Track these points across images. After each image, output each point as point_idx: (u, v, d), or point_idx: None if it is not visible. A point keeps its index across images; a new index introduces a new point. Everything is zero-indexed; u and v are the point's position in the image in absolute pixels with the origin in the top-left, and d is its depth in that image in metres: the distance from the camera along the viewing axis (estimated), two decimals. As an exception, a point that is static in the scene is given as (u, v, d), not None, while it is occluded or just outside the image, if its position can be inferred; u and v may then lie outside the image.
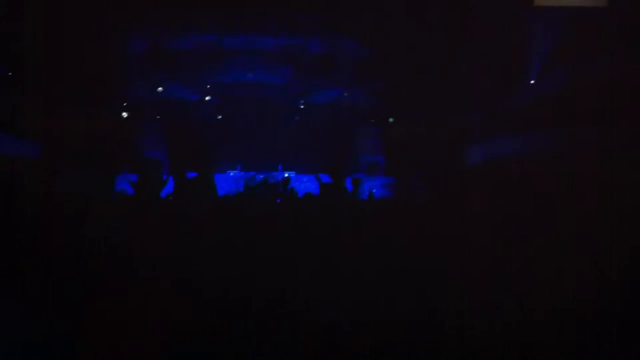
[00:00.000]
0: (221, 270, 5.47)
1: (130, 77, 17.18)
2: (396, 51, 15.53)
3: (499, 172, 13.38)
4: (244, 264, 5.56)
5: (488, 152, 14.96)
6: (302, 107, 19.12)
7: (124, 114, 17.69)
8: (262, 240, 6.03)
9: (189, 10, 15.02)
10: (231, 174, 17.92)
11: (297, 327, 4.96)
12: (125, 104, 17.73)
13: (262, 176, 17.64)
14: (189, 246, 5.91)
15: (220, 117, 18.90)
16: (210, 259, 5.65)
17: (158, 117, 18.42)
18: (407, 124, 17.20)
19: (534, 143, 13.06)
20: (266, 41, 16.85)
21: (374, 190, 16.67)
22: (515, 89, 14.95)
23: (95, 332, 4.70)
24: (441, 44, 14.63)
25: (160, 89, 17.70)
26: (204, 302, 5.14)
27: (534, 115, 13.51)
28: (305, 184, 17.85)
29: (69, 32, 14.23)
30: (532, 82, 15.24)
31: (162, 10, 14.93)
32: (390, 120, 18.33)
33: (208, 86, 18.63)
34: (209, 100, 18.61)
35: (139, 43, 16.70)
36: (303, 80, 18.34)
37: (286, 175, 17.33)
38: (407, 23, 14.35)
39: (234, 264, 5.56)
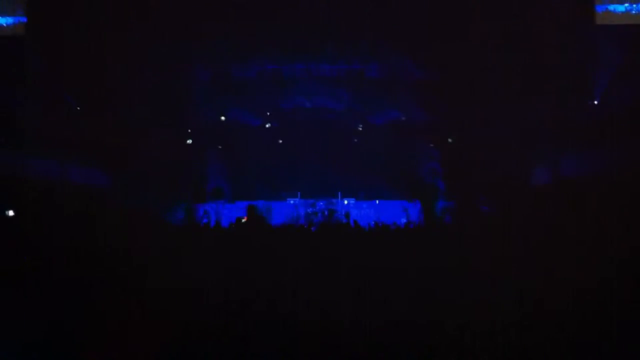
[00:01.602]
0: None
1: (195, 106, 17.56)
2: (458, 73, 15.42)
3: (569, 192, 13.01)
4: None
5: (556, 171, 14.63)
6: (360, 131, 19.09)
7: (189, 142, 18.02)
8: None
9: (251, 41, 15.38)
10: (291, 201, 17.90)
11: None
12: (190, 133, 18.09)
13: (322, 203, 17.58)
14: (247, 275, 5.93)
15: (280, 143, 19.05)
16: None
17: (220, 146, 18.71)
18: (470, 145, 16.94)
19: (603, 161, 12.72)
20: (325, 68, 17.08)
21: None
22: (580, 108, 14.66)
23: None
24: (503, 64, 14.48)
25: (223, 117, 18.02)
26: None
27: (602, 133, 13.18)
28: (365, 211, 17.67)
29: (136, 65, 14.73)
30: (596, 102, 14.90)
31: (225, 41, 15.36)
32: (450, 140, 18.11)
33: (269, 113, 18.86)
34: (269, 127, 18.83)
35: (204, 72, 17.12)
36: (362, 104, 18.38)
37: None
38: (468, 45, 14.29)
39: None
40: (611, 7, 14.22)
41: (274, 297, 5.32)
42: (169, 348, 4.75)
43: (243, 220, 11.55)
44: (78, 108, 15.69)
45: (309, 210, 17.45)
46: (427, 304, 5.31)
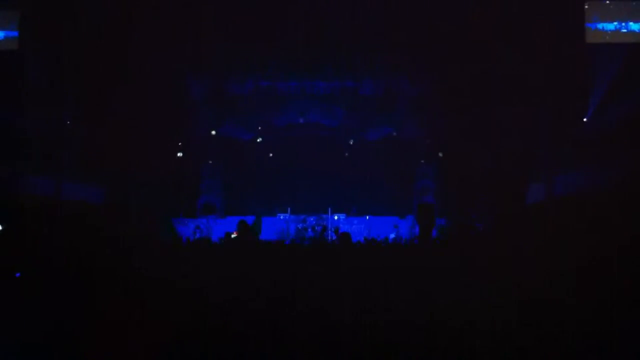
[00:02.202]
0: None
1: (188, 122, 17.55)
2: (450, 90, 15.49)
3: (565, 209, 13.08)
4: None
5: (550, 190, 14.69)
6: (353, 147, 19.13)
7: (181, 156, 17.96)
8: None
9: (246, 57, 15.44)
10: (281, 216, 17.87)
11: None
12: (183, 148, 18.04)
13: (312, 219, 17.53)
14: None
15: (271, 160, 19.04)
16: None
17: (211, 161, 18.70)
18: (463, 162, 16.97)
19: (598, 178, 12.79)
20: (319, 85, 17.13)
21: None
22: (575, 124, 14.76)
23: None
24: (498, 80, 14.57)
25: (213, 132, 18.00)
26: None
27: (596, 149, 13.27)
28: (355, 227, 17.66)
29: (132, 79, 14.70)
30: (585, 120, 15.02)
31: (220, 57, 15.40)
32: (440, 154, 18.18)
33: (260, 127, 18.88)
34: (261, 142, 18.83)
35: (198, 89, 17.14)
36: (355, 120, 18.43)
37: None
38: (463, 62, 14.38)
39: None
40: (600, 26, 14.32)
41: (273, 298, 5.32)
42: (168, 348, 4.73)
43: (233, 236, 11.50)
44: (68, 122, 15.58)
45: (300, 225, 17.41)
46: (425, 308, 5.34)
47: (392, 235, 16.40)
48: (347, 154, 19.12)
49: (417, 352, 4.82)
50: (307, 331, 5.02)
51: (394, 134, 18.63)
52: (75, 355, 4.77)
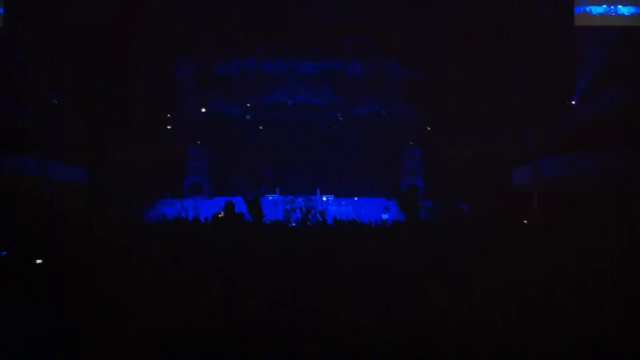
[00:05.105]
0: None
1: (176, 103, 17.51)
2: (439, 73, 15.49)
3: (548, 193, 13.14)
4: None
5: (536, 172, 14.73)
6: (342, 125, 19.15)
7: (169, 137, 17.91)
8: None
9: (234, 38, 15.34)
10: (270, 197, 17.88)
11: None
12: (170, 129, 17.99)
13: (301, 200, 17.57)
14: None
15: (259, 140, 19.03)
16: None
17: (199, 142, 18.66)
18: (451, 144, 16.99)
19: (583, 164, 12.82)
20: (307, 65, 17.10)
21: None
22: (561, 110, 14.78)
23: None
24: (485, 65, 14.56)
25: (203, 109, 17.94)
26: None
27: (582, 137, 13.28)
28: (344, 208, 17.71)
29: (118, 61, 14.62)
30: (573, 102, 15.02)
31: (208, 38, 15.31)
32: (428, 128, 18.21)
33: (249, 105, 18.85)
34: (250, 123, 18.79)
35: (185, 70, 17.07)
36: (343, 99, 18.46)
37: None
38: (449, 44, 14.36)
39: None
40: (588, 9, 14.22)
41: (269, 296, 5.29)
42: (165, 346, 4.70)
43: (220, 215, 11.47)
44: (55, 101, 15.46)
45: (288, 206, 17.43)
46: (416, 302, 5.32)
47: (385, 216, 16.47)
48: (335, 127, 19.14)
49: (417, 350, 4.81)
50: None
51: (383, 112, 18.64)
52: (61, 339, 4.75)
